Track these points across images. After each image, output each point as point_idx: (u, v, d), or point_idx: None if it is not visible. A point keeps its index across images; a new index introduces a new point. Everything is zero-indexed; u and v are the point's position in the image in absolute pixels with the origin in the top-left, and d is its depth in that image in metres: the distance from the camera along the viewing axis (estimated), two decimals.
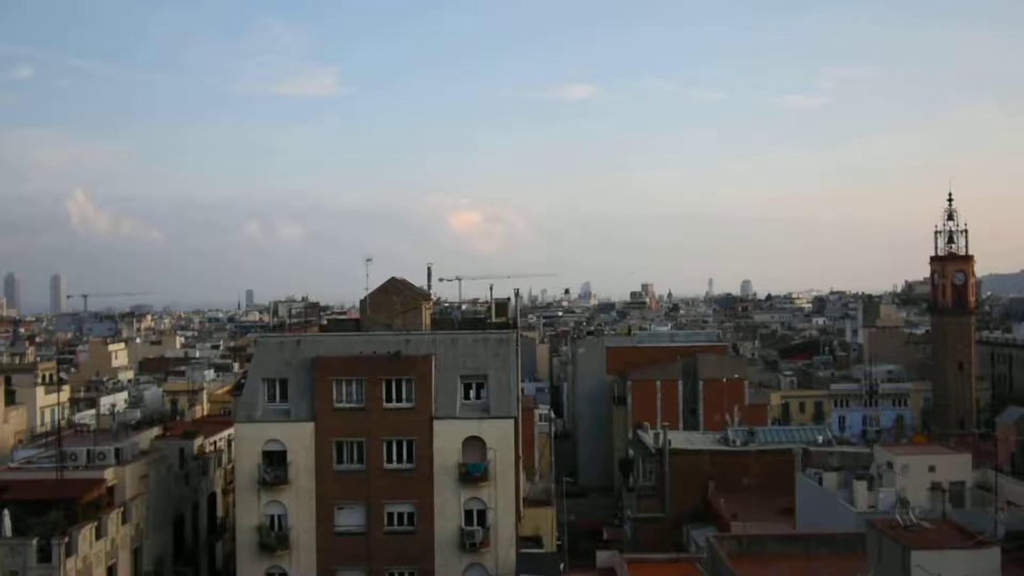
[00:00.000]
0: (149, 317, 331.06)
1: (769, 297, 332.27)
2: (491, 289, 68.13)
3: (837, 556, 37.84)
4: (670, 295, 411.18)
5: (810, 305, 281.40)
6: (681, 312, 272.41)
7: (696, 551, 50.25)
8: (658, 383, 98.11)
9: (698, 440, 69.30)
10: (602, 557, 49.04)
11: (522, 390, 62.38)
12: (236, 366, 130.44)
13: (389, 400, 51.51)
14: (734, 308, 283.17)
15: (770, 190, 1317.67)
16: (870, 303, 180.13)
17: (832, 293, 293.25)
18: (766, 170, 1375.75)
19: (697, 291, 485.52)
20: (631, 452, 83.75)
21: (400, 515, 51.30)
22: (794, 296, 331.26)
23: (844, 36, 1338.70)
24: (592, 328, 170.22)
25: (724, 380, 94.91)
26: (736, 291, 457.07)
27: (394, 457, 51.37)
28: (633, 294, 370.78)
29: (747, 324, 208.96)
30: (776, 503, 54.98)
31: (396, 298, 58.83)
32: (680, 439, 68.29)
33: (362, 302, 59.78)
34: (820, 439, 65.77)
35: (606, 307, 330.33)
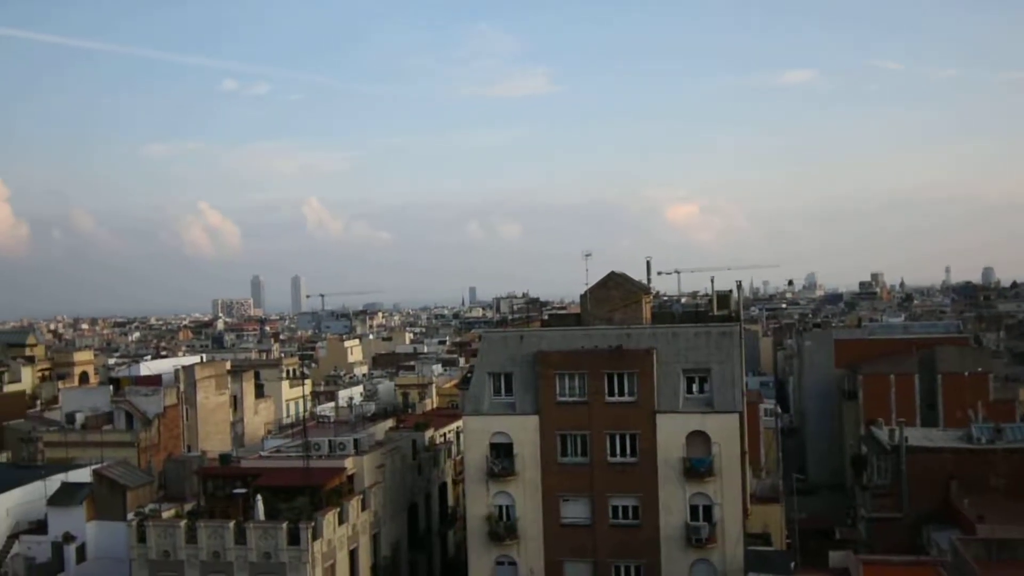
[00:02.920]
0: (380, 314, 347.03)
1: (1015, 285, 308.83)
2: (712, 281, 67.20)
3: None
4: (902, 284, 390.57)
5: None
6: (915, 302, 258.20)
7: (938, 554, 47.51)
8: (892, 377, 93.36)
9: (937, 437, 65.43)
10: (835, 558, 47.24)
11: (746, 384, 61.04)
12: (462, 361, 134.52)
13: (611, 394, 51.68)
14: (975, 297, 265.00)
15: (1019, 172, 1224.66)
16: None
17: None
18: (1013, 149, 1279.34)
19: (932, 280, 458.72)
20: (863, 448, 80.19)
21: (624, 508, 51.39)
22: None
23: None
24: (819, 320, 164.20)
25: (966, 374, 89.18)
26: (976, 279, 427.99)
27: (617, 451, 51.49)
28: (862, 284, 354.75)
29: (990, 314, 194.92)
30: None
31: (616, 292, 58.91)
32: (917, 436, 64.73)
33: (582, 297, 60.26)
34: None
35: (833, 298, 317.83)
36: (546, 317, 76.89)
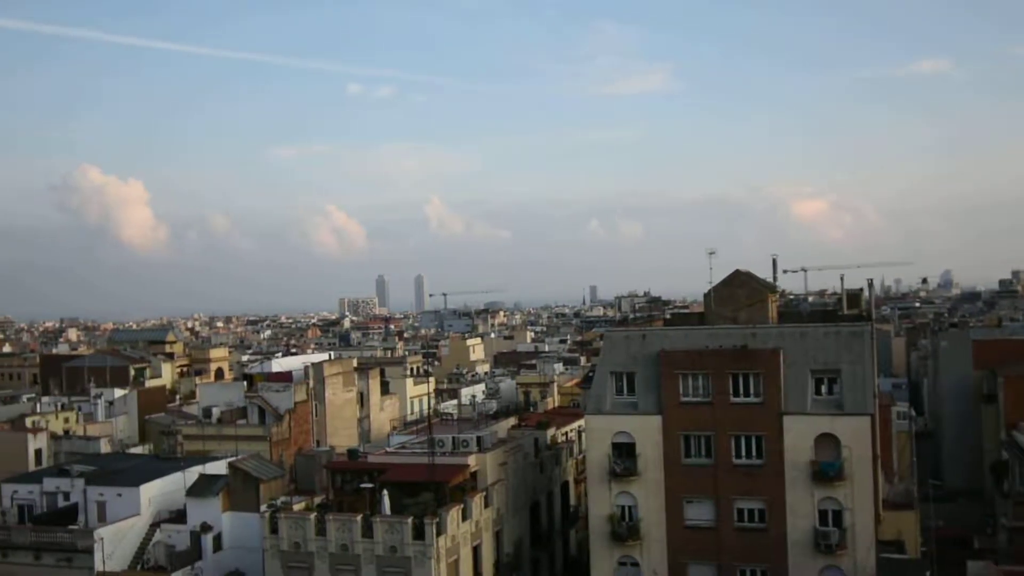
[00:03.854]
0: (501, 313, 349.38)
1: None
2: (841, 280, 65.30)
3: None
4: None
5: None
6: None
7: None
8: None
9: None
10: (974, 568, 45.26)
11: (877, 386, 59.11)
12: (583, 360, 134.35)
13: (736, 394, 50.79)
14: None
15: None
16: None
17: None
18: None
19: None
20: (1004, 454, 76.73)
21: (750, 511, 50.43)
22: None
23: None
24: (955, 320, 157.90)
25: None
26: None
27: (743, 452, 50.57)
28: (1002, 282, 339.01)
29: None
30: None
31: (741, 291, 57.86)
32: None
33: (706, 296, 59.40)
34: None
35: (970, 296, 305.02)
36: (668, 316, 76.09)
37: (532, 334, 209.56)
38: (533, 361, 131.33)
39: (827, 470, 48.73)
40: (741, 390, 50.73)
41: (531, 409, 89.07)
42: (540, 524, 60.51)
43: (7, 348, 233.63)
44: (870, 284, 62.52)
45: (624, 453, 52.27)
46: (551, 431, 66.33)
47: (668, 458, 51.59)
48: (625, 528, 51.83)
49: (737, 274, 58.97)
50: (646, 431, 52.01)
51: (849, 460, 48.56)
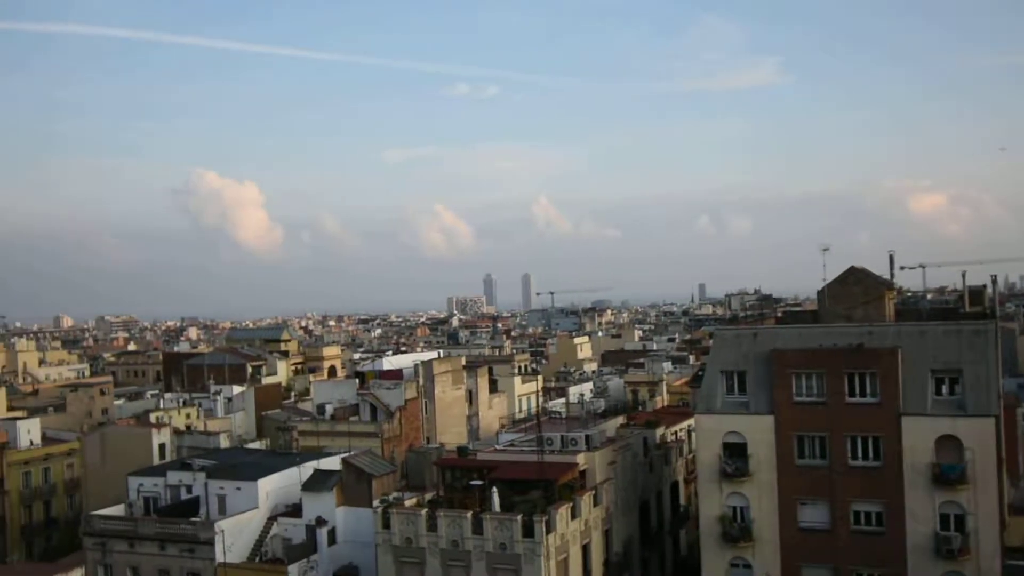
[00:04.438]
0: (609, 311, 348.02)
1: None
2: (963, 276, 63.16)
3: None
4: None
5: None
6: None
7: None
8: None
9: None
10: None
11: (1002, 386, 56.76)
12: (692, 358, 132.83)
13: (852, 394, 49.42)
14: None
15: None
16: None
17: None
18: None
19: None
20: None
21: (867, 515, 49.03)
22: None
23: None
24: None
25: None
26: None
27: (859, 454, 49.20)
28: None
29: None
30: None
31: (856, 288, 56.31)
32: None
33: (820, 293, 58.03)
34: None
35: None
36: (780, 314, 74.61)
37: (640, 332, 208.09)
38: (641, 360, 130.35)
39: (949, 473, 47.04)
40: (857, 390, 49.35)
41: (639, 408, 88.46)
42: (650, 524, 60.07)
43: (132, 346, 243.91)
44: (993, 280, 60.38)
45: (735, 453, 51.45)
46: (660, 430, 65.78)
47: (781, 459, 50.56)
48: (737, 529, 51.02)
49: (852, 271, 57.45)
50: (758, 431, 51.08)
51: (972, 463, 46.77)
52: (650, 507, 60.44)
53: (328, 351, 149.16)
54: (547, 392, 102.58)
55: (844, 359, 49.78)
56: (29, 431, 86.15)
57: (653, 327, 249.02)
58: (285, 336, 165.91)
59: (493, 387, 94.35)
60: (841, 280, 56.93)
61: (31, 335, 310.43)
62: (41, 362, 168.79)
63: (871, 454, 48.95)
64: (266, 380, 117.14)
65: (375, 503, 52.11)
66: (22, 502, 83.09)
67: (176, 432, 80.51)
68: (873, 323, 53.19)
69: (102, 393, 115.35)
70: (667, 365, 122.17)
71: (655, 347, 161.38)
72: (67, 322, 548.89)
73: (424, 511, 49.34)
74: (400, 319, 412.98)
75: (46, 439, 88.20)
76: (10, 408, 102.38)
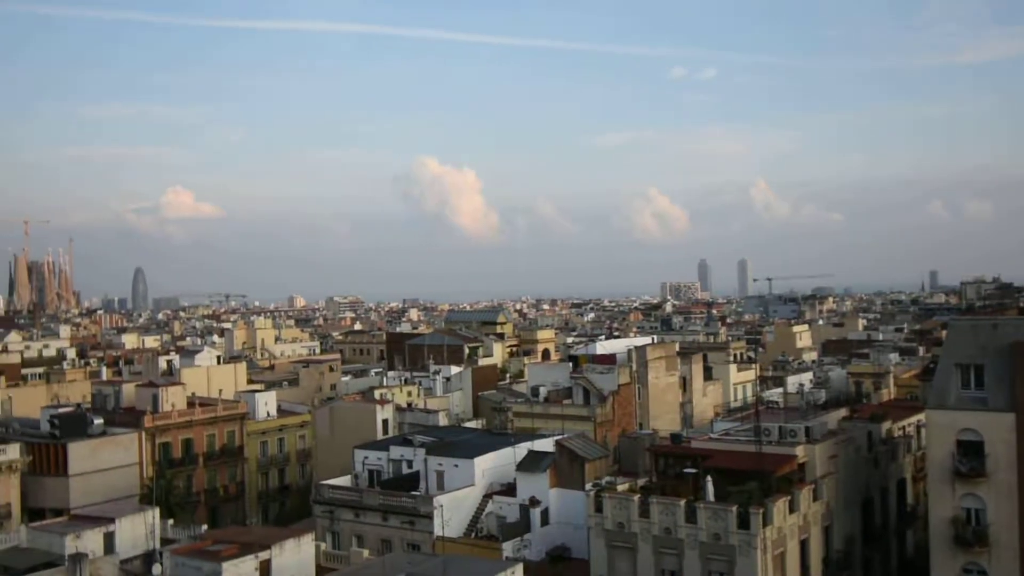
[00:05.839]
0: (830, 299, 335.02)
1: None
2: None
3: None
4: None
5: None
6: None
7: None
8: None
9: None
10: None
11: None
12: (921, 350, 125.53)
13: None
14: None
15: None
16: None
17: None
18: None
19: None
20: None
21: None
22: None
23: None
24: None
25: None
26: None
27: None
28: None
29: None
30: None
31: None
32: None
33: None
34: None
35: None
36: (1022, 304, 69.21)
37: (864, 321, 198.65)
38: (866, 350, 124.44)
39: None
40: None
41: (863, 401, 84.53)
42: (873, 522, 57.28)
43: (358, 326, 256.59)
44: None
45: (970, 451, 48.16)
46: (886, 424, 62.52)
47: (1022, 459, 46.91)
48: (971, 533, 47.81)
49: None
50: (996, 429, 47.58)
51: None
52: (874, 505, 57.62)
53: (542, 334, 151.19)
54: (764, 381, 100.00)
55: None
56: (266, 403, 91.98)
57: (878, 316, 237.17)
58: (501, 319, 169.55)
59: (707, 374, 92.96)
60: None
61: (268, 314, 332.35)
62: (277, 339, 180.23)
63: None
64: (483, 361, 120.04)
65: (587, 486, 52.33)
66: (259, 469, 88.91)
67: (398, 409, 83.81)
68: None
69: (331, 369, 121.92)
70: (894, 356, 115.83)
71: (881, 337, 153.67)
72: (300, 302, 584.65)
73: (636, 497, 49.06)
74: (613, 304, 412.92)
75: (281, 411, 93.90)
76: (249, 381, 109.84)
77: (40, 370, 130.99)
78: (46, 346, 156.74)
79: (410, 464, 62.84)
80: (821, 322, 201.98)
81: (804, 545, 49.14)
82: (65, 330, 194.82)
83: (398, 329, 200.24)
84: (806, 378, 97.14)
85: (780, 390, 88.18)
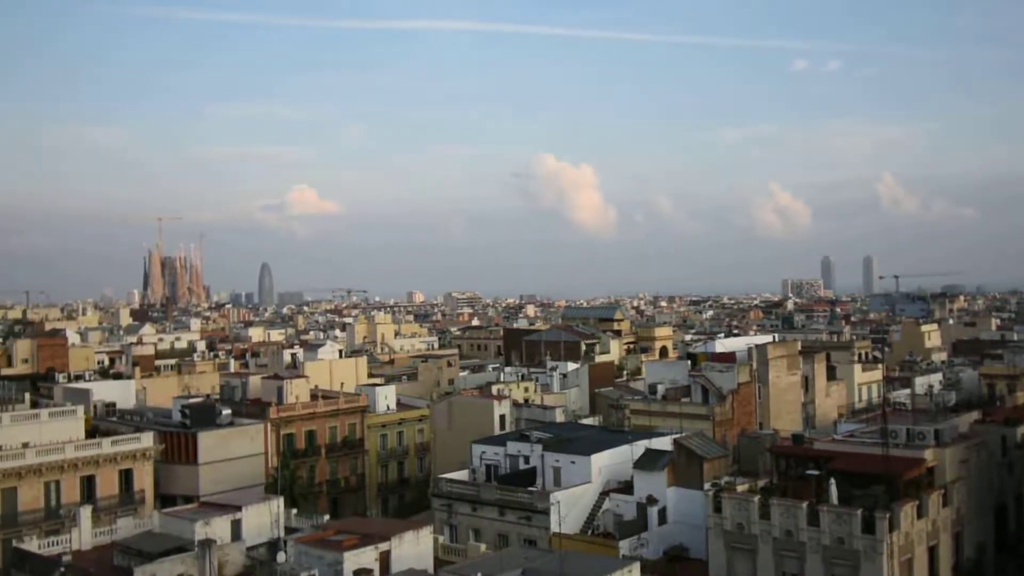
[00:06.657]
0: (961, 297, 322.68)
1: None
2: None
3: None
4: None
5: None
6: None
7: None
8: None
9: None
10: None
11: None
12: None
13: None
14: None
15: None
16: None
17: None
18: None
19: None
20: None
21: None
22: None
23: None
24: None
25: None
26: None
27: None
28: None
29: None
30: None
31: None
32: None
33: None
34: None
35: None
36: None
37: (997, 321, 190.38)
38: (999, 351, 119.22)
39: None
40: None
41: (996, 403, 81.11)
42: (1007, 529, 54.92)
43: (475, 322, 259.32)
44: None
45: None
46: (1021, 429, 59.82)
47: None
48: None
49: None
50: None
51: None
52: (1008, 512, 55.24)
53: (660, 331, 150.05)
54: (890, 382, 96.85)
55: None
56: (386, 397, 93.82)
57: (1013, 315, 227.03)
58: (618, 315, 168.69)
59: (831, 374, 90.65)
60: None
61: (388, 309, 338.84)
62: (396, 334, 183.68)
63: None
64: (599, 358, 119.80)
65: (706, 486, 51.63)
66: (379, 462, 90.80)
67: (515, 404, 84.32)
68: None
69: (449, 364, 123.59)
70: None
71: (1015, 337, 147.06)
72: (418, 297, 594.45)
73: (757, 497, 48.19)
74: (732, 301, 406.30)
75: (400, 405, 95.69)
76: (370, 375, 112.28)
77: (172, 362, 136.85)
78: (178, 339, 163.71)
79: (527, 460, 63.12)
80: (951, 321, 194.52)
81: (933, 552, 47.49)
82: (196, 323, 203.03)
83: (515, 325, 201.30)
84: (935, 379, 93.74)
85: (907, 391, 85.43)
